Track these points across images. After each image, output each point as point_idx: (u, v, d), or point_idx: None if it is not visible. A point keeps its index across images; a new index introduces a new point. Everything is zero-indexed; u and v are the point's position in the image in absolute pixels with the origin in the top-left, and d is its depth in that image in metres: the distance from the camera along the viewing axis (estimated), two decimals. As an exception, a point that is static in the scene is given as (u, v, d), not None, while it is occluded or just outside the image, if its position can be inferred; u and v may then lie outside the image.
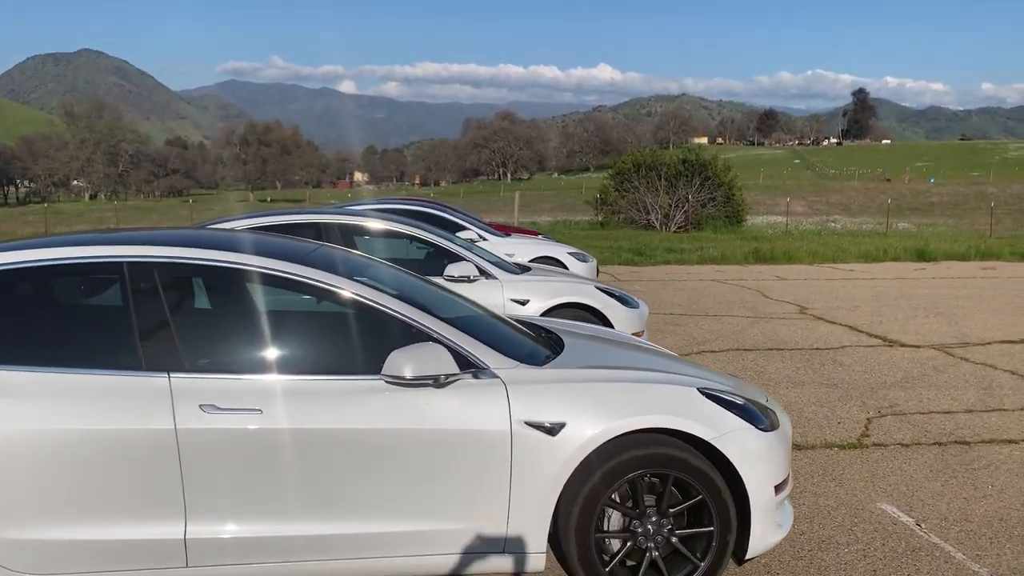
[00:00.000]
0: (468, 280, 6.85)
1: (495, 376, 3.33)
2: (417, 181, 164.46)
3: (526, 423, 3.25)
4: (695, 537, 3.47)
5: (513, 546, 3.31)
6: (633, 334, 6.50)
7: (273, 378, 3.25)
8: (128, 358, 3.19)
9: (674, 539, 3.45)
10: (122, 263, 3.32)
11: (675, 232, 27.79)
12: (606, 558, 3.42)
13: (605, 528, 3.43)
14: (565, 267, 10.88)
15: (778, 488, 3.50)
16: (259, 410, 3.14)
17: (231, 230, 6.29)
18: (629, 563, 3.46)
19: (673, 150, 36.28)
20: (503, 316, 4.33)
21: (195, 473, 3.12)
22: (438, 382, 3.22)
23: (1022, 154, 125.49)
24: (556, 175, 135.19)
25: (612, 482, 3.33)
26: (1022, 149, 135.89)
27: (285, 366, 3.33)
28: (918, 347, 8.90)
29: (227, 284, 3.73)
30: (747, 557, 3.51)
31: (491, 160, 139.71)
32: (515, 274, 7.46)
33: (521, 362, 3.47)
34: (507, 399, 3.27)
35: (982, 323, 10.37)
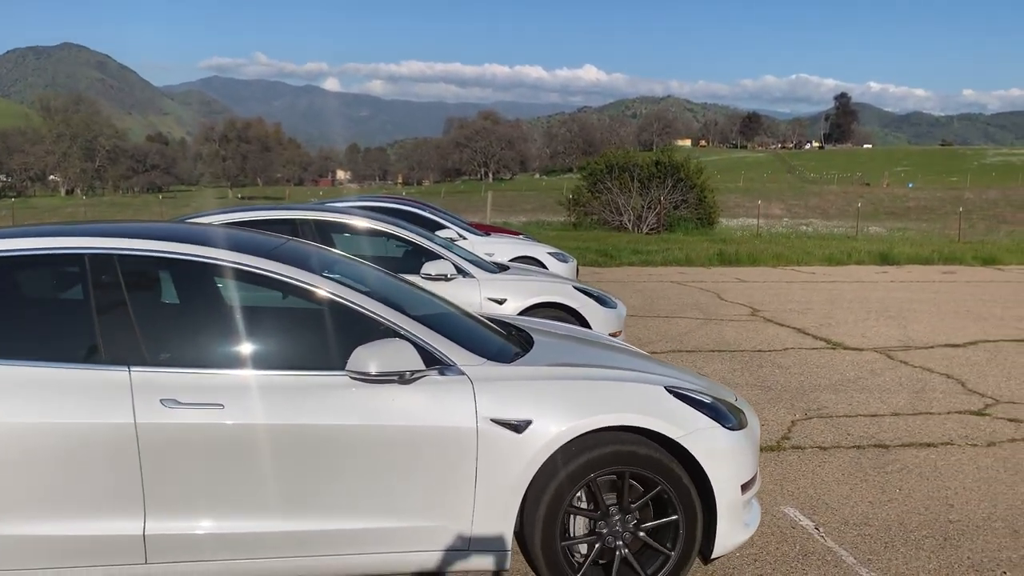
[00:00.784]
0: (445, 278, 6.81)
1: (462, 373, 3.30)
2: (400, 180, 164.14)
3: (492, 420, 3.23)
4: (661, 535, 3.46)
5: (478, 543, 3.29)
6: (611, 334, 6.52)
7: (236, 373, 3.20)
8: (88, 351, 3.15)
9: (640, 535, 3.44)
10: (83, 255, 3.27)
11: (647, 234, 27.78)
12: (572, 556, 3.40)
13: (571, 526, 3.42)
14: (545, 267, 10.85)
15: (745, 487, 3.49)
16: (221, 405, 3.09)
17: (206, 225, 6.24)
18: (598, 562, 3.44)
19: (645, 152, 36.27)
20: (474, 314, 4.29)
21: (155, 468, 3.06)
22: (403, 378, 3.18)
23: (1000, 160, 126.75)
24: (538, 176, 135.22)
25: (578, 480, 3.31)
26: (1001, 156, 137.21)
27: (248, 361, 3.28)
28: (860, 350, 8.90)
29: (191, 277, 3.66)
30: (713, 556, 3.50)
31: (472, 160, 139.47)
32: (493, 273, 7.43)
33: (489, 359, 3.44)
34: (473, 396, 3.25)
35: (930, 327, 10.40)
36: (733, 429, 3.49)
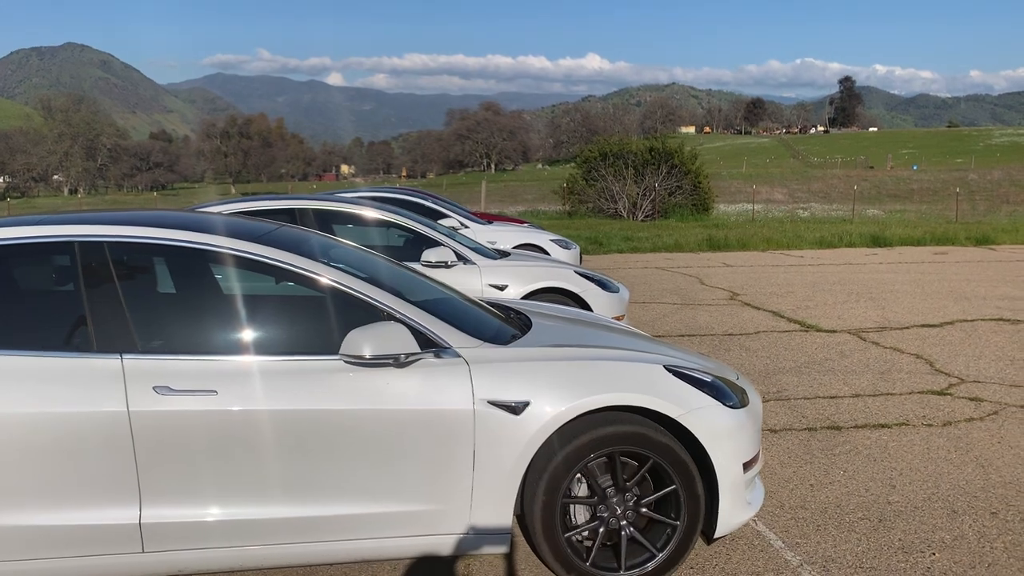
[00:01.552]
0: (446, 265, 6.81)
1: (457, 355, 3.26)
2: (404, 173, 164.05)
3: (489, 402, 3.19)
4: (659, 524, 3.42)
5: (478, 527, 3.26)
6: (613, 318, 6.50)
7: (229, 359, 3.16)
8: (79, 339, 3.11)
9: (643, 512, 3.40)
10: (73, 242, 3.23)
11: (642, 221, 27.65)
12: (572, 536, 3.37)
13: (572, 508, 3.39)
14: (547, 254, 10.81)
15: (747, 466, 3.45)
16: (215, 391, 3.06)
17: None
18: (587, 538, 3.42)
19: (639, 139, 36.04)
20: (472, 297, 4.24)
21: (150, 456, 3.04)
22: (398, 361, 3.14)
23: (1006, 140, 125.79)
24: (541, 166, 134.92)
25: (577, 460, 3.27)
26: (1007, 136, 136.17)
27: (241, 346, 3.24)
28: (834, 332, 8.79)
29: (182, 264, 3.64)
30: (716, 535, 3.45)
31: (475, 151, 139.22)
32: (493, 259, 7.42)
33: (485, 341, 3.40)
34: (470, 378, 3.21)
35: (910, 307, 10.27)
36: (734, 407, 3.45)
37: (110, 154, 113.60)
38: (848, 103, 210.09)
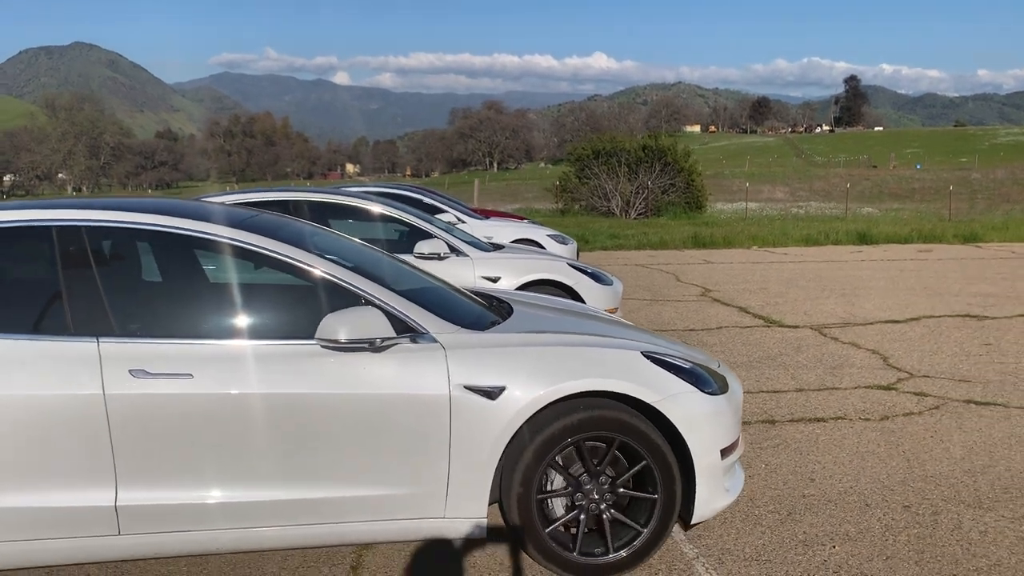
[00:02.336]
0: (438, 257, 6.82)
1: (434, 340, 3.27)
2: (408, 172, 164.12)
3: (465, 387, 3.19)
4: (639, 502, 3.43)
5: (453, 511, 3.26)
6: (606, 310, 6.48)
7: (206, 342, 3.16)
8: (56, 323, 3.13)
9: (613, 511, 3.41)
10: (51, 227, 3.26)
11: (635, 219, 27.58)
12: (548, 521, 3.38)
13: (548, 491, 3.38)
14: (544, 248, 10.80)
15: (725, 452, 3.45)
16: (190, 375, 3.07)
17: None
18: (570, 524, 3.43)
19: (631, 137, 35.95)
20: (454, 285, 4.24)
21: (125, 439, 3.05)
22: (374, 346, 3.15)
23: (1012, 140, 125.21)
24: (543, 164, 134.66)
25: (554, 446, 3.28)
26: (1012, 135, 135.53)
27: (218, 330, 3.25)
28: (796, 327, 8.72)
29: (159, 248, 3.64)
30: (693, 522, 3.46)
31: (477, 150, 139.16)
32: (487, 252, 7.44)
33: (463, 327, 3.40)
34: (446, 363, 3.21)
35: (880, 304, 10.20)
36: (713, 394, 3.45)
37: (113, 152, 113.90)
38: (854, 102, 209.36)
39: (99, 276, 3.21)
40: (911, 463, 4.69)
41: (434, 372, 3.19)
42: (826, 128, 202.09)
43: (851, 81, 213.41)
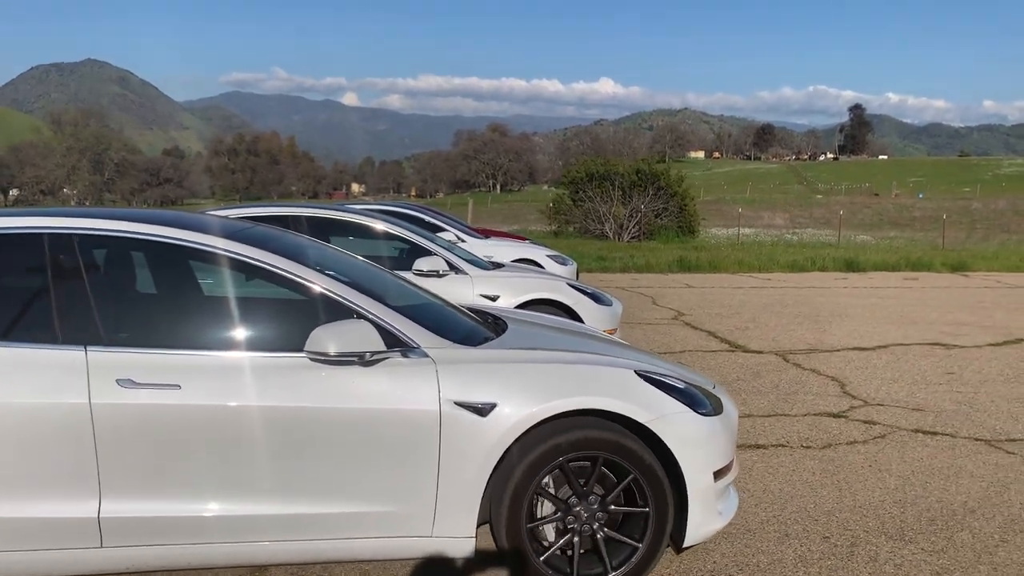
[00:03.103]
0: (437, 274, 6.82)
1: (425, 355, 3.22)
2: (413, 192, 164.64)
3: (456, 403, 3.14)
4: (631, 521, 3.38)
5: (442, 529, 3.20)
6: (605, 331, 6.50)
7: (194, 353, 3.13)
8: (44, 331, 3.10)
9: (605, 529, 3.35)
10: (42, 234, 3.24)
11: (628, 242, 27.53)
12: (538, 541, 3.32)
13: (538, 512, 3.33)
14: (544, 269, 10.80)
15: (718, 474, 3.39)
16: (178, 386, 3.03)
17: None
18: (560, 542, 3.35)
19: (625, 161, 35.98)
20: (448, 301, 4.20)
21: (110, 450, 3.00)
22: (363, 359, 3.10)
23: (1015, 170, 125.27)
24: (547, 187, 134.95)
25: (545, 464, 3.22)
26: (1016, 165, 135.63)
27: (207, 341, 3.23)
28: (760, 352, 8.62)
29: (150, 257, 3.61)
30: (686, 544, 3.39)
31: (481, 172, 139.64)
32: (486, 270, 7.43)
33: (455, 342, 3.37)
34: (436, 378, 3.16)
35: (852, 331, 10.09)
36: (707, 415, 3.39)
37: (117, 168, 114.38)
38: (858, 131, 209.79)
39: (89, 284, 3.19)
40: (842, 493, 4.57)
41: (424, 387, 3.14)
42: (830, 156, 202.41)
43: (856, 109, 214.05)
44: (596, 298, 7.26)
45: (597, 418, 3.29)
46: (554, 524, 3.35)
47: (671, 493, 3.31)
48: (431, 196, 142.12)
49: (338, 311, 3.22)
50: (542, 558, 3.28)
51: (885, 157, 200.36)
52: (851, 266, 18.50)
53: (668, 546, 3.44)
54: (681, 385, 3.46)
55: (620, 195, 28.86)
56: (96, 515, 3.01)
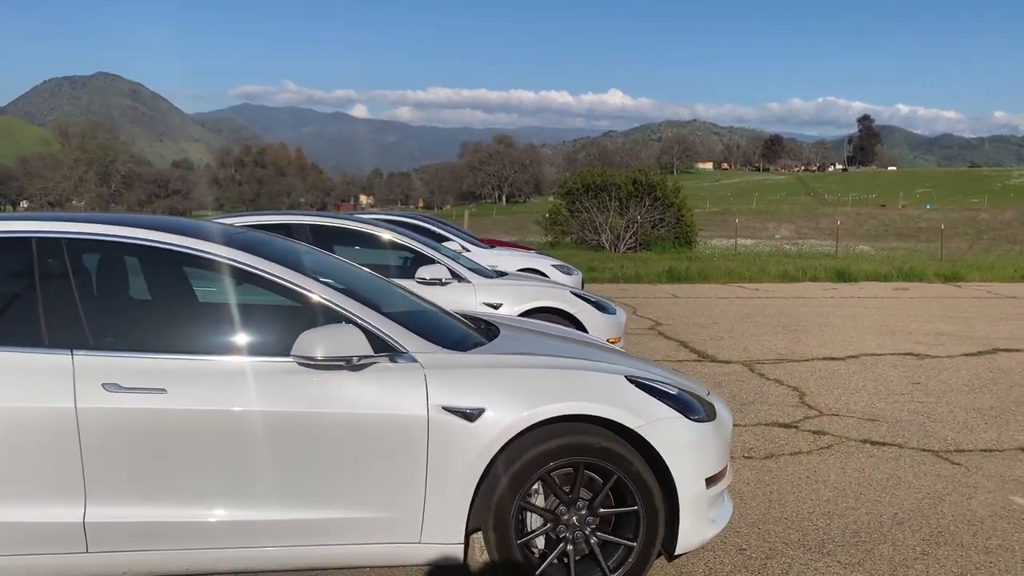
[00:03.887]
0: (440, 283, 6.79)
1: (414, 360, 3.20)
2: (420, 204, 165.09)
3: (444, 408, 3.12)
4: (620, 528, 3.33)
5: (430, 535, 3.16)
6: (609, 340, 6.49)
7: (180, 357, 3.11)
8: (31, 334, 3.09)
9: (597, 534, 3.30)
10: (31, 238, 3.24)
11: (624, 253, 27.45)
12: (527, 547, 3.28)
13: (527, 517, 3.28)
14: (548, 278, 10.73)
15: (710, 481, 3.34)
16: (164, 390, 3.01)
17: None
18: (547, 550, 3.31)
19: (622, 172, 35.91)
20: (441, 307, 4.16)
21: (96, 454, 2.98)
22: (351, 364, 3.08)
23: (1023, 182, 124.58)
24: (552, 198, 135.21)
25: (533, 471, 3.18)
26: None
27: (194, 345, 3.21)
28: (728, 362, 8.53)
29: (138, 261, 3.60)
30: (677, 552, 3.33)
31: (487, 183, 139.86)
32: (489, 278, 7.41)
33: (445, 347, 3.34)
34: (425, 383, 3.14)
35: (827, 341, 9.98)
36: (700, 421, 3.34)
37: (124, 180, 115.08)
38: (867, 142, 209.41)
39: (76, 288, 3.18)
40: (772, 504, 4.48)
41: (412, 392, 3.12)
42: (839, 167, 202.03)
43: (864, 121, 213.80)
44: (600, 306, 7.26)
45: (587, 424, 3.25)
46: (544, 533, 3.29)
47: (660, 495, 3.25)
48: (439, 208, 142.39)
49: (326, 316, 3.21)
50: (539, 571, 3.22)
51: (894, 168, 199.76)
52: (842, 276, 18.37)
53: (660, 554, 3.38)
54: (673, 391, 3.41)
55: (617, 206, 28.79)
56: (81, 520, 2.98)
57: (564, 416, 3.20)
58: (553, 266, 11.65)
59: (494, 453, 3.13)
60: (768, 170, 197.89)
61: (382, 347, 3.17)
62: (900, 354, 9.12)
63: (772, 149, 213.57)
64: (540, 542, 3.30)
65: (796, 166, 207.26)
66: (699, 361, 8.62)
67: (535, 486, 3.24)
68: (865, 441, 5.70)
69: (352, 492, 3.11)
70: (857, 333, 10.62)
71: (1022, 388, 7.43)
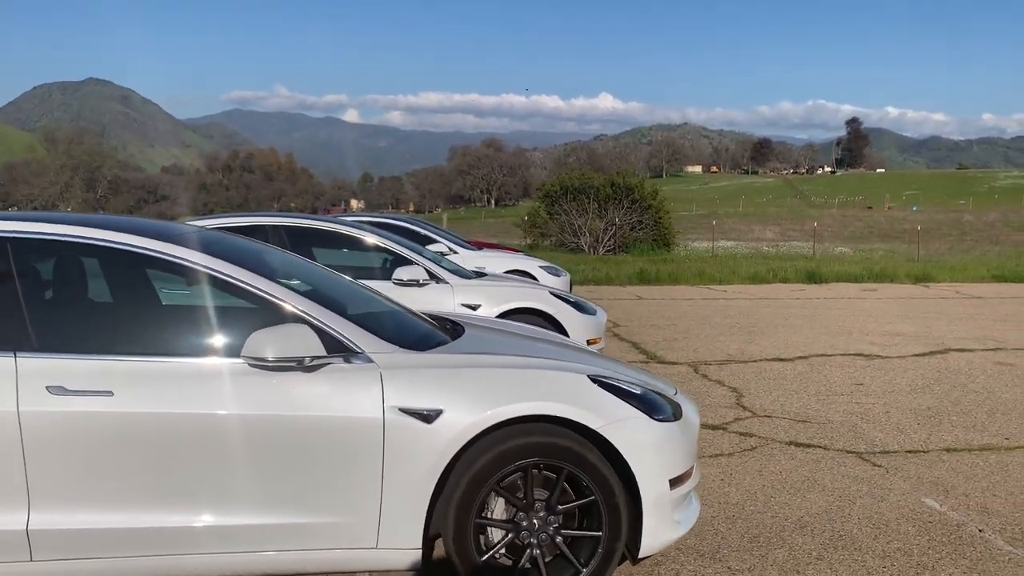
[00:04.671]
0: (417, 284, 6.74)
1: (370, 360, 3.13)
2: (411, 208, 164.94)
3: (400, 409, 3.05)
4: (586, 522, 3.26)
5: (387, 540, 3.09)
6: (588, 340, 6.47)
7: (128, 359, 3.03)
8: None
9: (562, 532, 3.24)
10: None
11: (603, 255, 27.38)
12: (486, 549, 3.19)
13: (487, 519, 3.21)
14: (536, 280, 10.64)
15: (675, 482, 3.28)
16: (110, 392, 2.93)
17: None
18: (510, 556, 3.25)
19: (600, 174, 35.90)
20: (405, 306, 4.08)
21: (40, 459, 2.89)
22: (303, 365, 3.01)
23: (1010, 183, 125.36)
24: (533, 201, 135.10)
25: (492, 472, 3.11)
26: (1012, 178, 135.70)
27: (141, 346, 3.13)
28: (674, 363, 8.43)
29: (83, 261, 3.51)
30: (641, 555, 3.26)
31: (475, 187, 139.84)
32: (467, 279, 7.35)
33: (403, 347, 3.27)
34: (381, 384, 3.06)
35: (780, 341, 9.90)
36: (664, 420, 3.28)
37: (110, 185, 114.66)
38: (855, 144, 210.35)
39: (21, 289, 3.09)
40: (677, 508, 4.37)
41: (367, 393, 3.04)
42: (827, 170, 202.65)
43: (853, 123, 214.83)
44: (579, 307, 7.23)
45: (548, 424, 3.17)
46: (502, 529, 3.21)
47: (621, 489, 3.17)
48: (429, 211, 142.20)
49: (279, 316, 3.12)
50: (484, 560, 3.16)
51: (882, 171, 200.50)
52: (812, 277, 18.31)
53: (625, 559, 3.30)
54: (638, 391, 3.35)
55: (596, 208, 28.75)
56: (24, 527, 2.89)
57: (524, 417, 3.13)
58: (541, 267, 11.58)
59: (454, 454, 3.06)
60: (757, 173, 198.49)
61: (337, 347, 3.09)
62: (850, 355, 9.05)
63: (761, 152, 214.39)
64: (496, 537, 3.22)
65: (785, 169, 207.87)
66: (645, 362, 8.52)
67: (495, 487, 3.15)
68: (791, 443, 5.61)
69: (304, 496, 3.03)
70: (811, 334, 10.54)
71: (964, 388, 7.36)
